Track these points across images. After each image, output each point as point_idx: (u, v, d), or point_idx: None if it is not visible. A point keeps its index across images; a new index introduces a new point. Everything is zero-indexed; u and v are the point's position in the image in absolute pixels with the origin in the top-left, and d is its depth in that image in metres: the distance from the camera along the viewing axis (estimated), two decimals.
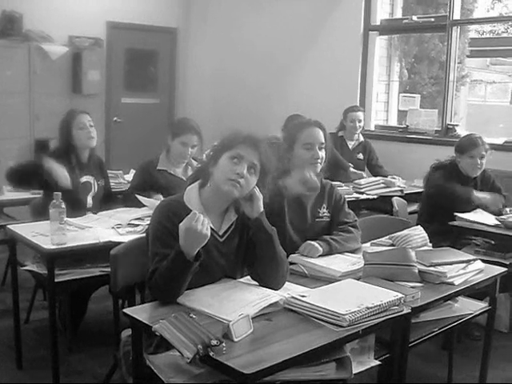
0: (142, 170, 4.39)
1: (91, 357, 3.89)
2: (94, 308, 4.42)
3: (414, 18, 6.73)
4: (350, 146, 6.09)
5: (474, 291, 3.04)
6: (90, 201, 4.22)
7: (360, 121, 6.04)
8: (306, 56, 7.38)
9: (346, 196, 4.79)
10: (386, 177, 5.58)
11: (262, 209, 2.58)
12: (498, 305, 4.30)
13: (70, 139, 4.13)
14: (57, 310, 3.84)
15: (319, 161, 3.20)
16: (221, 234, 2.60)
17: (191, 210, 2.50)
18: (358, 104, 6.92)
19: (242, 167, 2.49)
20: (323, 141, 3.23)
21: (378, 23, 6.97)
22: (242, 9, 8.01)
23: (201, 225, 2.29)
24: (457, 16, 6.39)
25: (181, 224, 2.32)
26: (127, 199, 4.23)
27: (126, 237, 3.32)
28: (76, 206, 3.91)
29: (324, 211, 3.32)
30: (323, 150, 3.23)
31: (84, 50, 7.51)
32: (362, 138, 6.17)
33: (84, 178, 4.21)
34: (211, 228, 2.55)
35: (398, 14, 7.23)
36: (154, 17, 8.24)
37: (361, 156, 6.11)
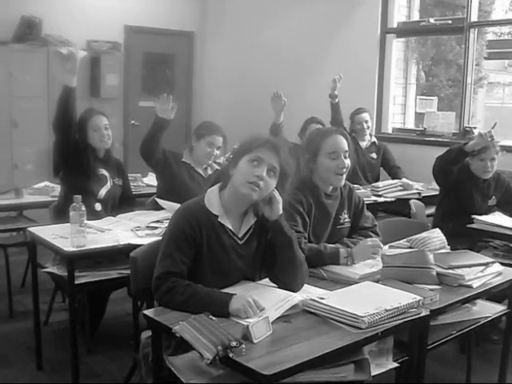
0: (170, 153, 4.42)
1: (110, 358, 3.92)
2: (113, 310, 4.45)
3: (431, 20, 6.71)
4: (363, 146, 6.06)
5: (492, 294, 3.04)
6: (102, 193, 4.24)
7: (367, 121, 6.02)
8: (324, 58, 7.37)
9: (364, 199, 4.84)
10: (400, 178, 5.58)
11: (281, 211, 2.59)
12: None
13: (85, 138, 4.17)
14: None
15: (345, 170, 3.16)
16: (240, 236, 2.62)
17: (211, 213, 2.53)
18: (375, 106, 6.92)
19: (261, 170, 2.51)
20: (347, 148, 3.18)
21: (395, 26, 6.95)
22: (259, 12, 8.02)
23: (251, 314, 2.24)
24: (474, 18, 6.36)
25: (245, 297, 2.29)
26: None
27: (144, 239, 3.34)
28: (88, 196, 3.96)
29: (345, 217, 3.30)
30: (348, 159, 3.17)
31: (102, 54, 7.57)
32: (374, 139, 6.16)
33: (100, 171, 4.25)
34: (231, 230, 2.57)
35: (415, 17, 7.22)
36: (172, 20, 8.28)
37: (374, 156, 6.08)
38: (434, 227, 3.60)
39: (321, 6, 7.30)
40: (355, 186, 5.01)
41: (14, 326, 4.42)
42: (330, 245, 3.07)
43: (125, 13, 7.89)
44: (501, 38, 10.96)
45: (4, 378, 3.70)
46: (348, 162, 3.17)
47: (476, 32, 6.45)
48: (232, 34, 8.41)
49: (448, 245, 3.35)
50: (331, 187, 3.23)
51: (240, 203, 2.59)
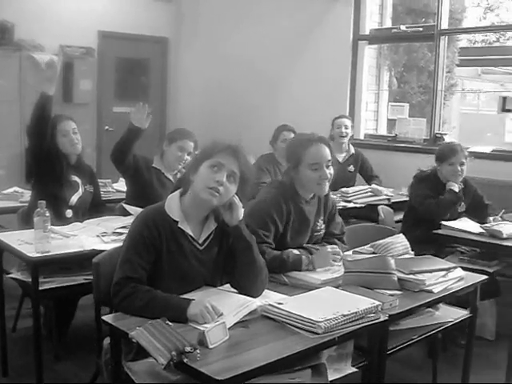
0: (141, 158, 4.42)
1: (77, 364, 3.90)
2: (82, 316, 4.42)
3: (403, 27, 6.78)
4: (340, 159, 5.97)
5: (454, 299, 3.08)
6: (74, 200, 4.22)
7: (346, 127, 5.97)
8: (296, 66, 7.41)
9: None
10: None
11: (241, 217, 2.60)
12: (483, 312, 4.37)
13: (55, 143, 4.16)
14: (42, 318, 3.87)
15: (327, 181, 3.13)
16: (200, 242, 2.62)
17: (172, 218, 2.54)
18: (348, 112, 6.96)
19: (221, 175, 2.52)
20: (330, 157, 3.13)
21: (368, 33, 7.01)
22: (233, 19, 8.05)
23: (209, 319, 2.25)
24: (445, 25, 6.43)
25: (203, 302, 2.29)
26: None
27: (110, 245, 3.34)
28: (59, 202, 4.01)
29: (321, 223, 3.31)
30: (330, 168, 3.13)
31: (75, 60, 7.55)
32: (352, 150, 6.08)
33: (72, 178, 4.24)
34: (191, 236, 2.58)
35: (388, 24, 7.28)
36: (146, 26, 8.29)
37: (352, 168, 6.03)
38: (402, 233, 3.63)
39: (293, 13, 7.34)
40: None
41: None
42: (294, 251, 3.08)
43: (98, 18, 7.88)
44: (473, 46, 11.09)
45: None
46: (331, 171, 3.13)
47: (446, 39, 6.54)
48: (206, 41, 8.43)
49: (415, 251, 3.39)
50: (311, 195, 3.22)
51: (200, 209, 2.60)
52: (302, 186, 3.16)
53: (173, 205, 2.60)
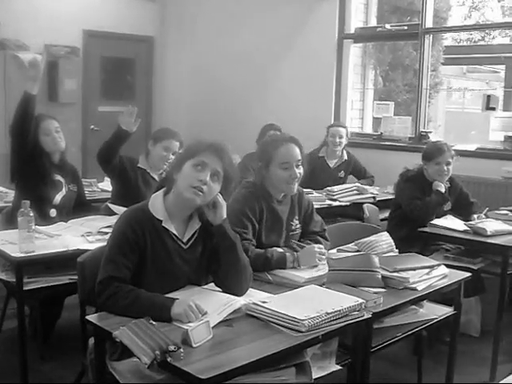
0: (126, 158, 4.42)
1: (63, 365, 3.88)
2: (67, 316, 4.40)
3: (388, 26, 6.81)
4: (332, 165, 5.98)
5: (439, 296, 3.09)
6: (58, 199, 4.21)
7: (341, 137, 5.91)
8: (281, 64, 7.43)
9: (319, 203, 4.88)
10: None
11: (225, 216, 2.61)
12: (468, 309, 4.41)
13: (38, 144, 4.14)
14: (27, 318, 3.86)
15: (296, 180, 3.16)
16: (185, 241, 2.62)
17: (155, 217, 2.54)
18: (333, 111, 6.98)
19: (205, 174, 2.52)
20: (300, 157, 3.17)
21: (353, 31, 7.03)
22: (218, 18, 8.05)
23: (193, 318, 2.25)
24: (429, 24, 6.47)
25: (187, 301, 2.30)
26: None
27: (94, 244, 3.33)
28: (43, 202, 4.01)
29: (296, 223, 3.31)
30: (300, 167, 3.17)
31: (60, 59, 7.52)
32: (345, 157, 6.03)
33: (55, 177, 4.23)
34: (175, 235, 2.58)
35: (373, 23, 7.31)
36: (131, 25, 8.27)
37: (342, 174, 5.99)
38: (388, 231, 3.64)
39: (278, 12, 7.35)
40: (309, 190, 5.07)
41: None
42: (278, 249, 3.10)
43: (83, 17, 7.85)
44: (457, 44, 11.14)
45: None
46: (301, 171, 3.17)
47: (431, 38, 6.57)
48: (191, 39, 8.42)
49: (401, 249, 3.40)
50: (282, 194, 3.24)
51: (184, 208, 2.60)
52: (273, 185, 3.19)
53: (157, 204, 2.60)
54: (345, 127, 6.07)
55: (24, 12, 7.29)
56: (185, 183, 2.52)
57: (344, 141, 5.97)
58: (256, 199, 3.13)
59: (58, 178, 4.25)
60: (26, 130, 3.98)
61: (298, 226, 3.32)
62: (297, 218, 3.32)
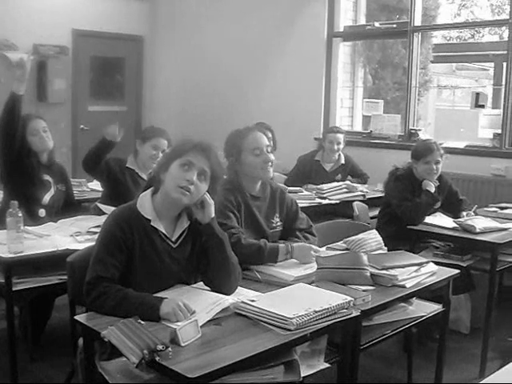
0: (114, 161, 4.42)
1: (53, 366, 3.87)
2: (57, 316, 4.40)
3: (377, 24, 6.83)
4: (328, 169, 5.95)
5: (429, 293, 3.10)
6: (47, 199, 4.20)
7: (339, 143, 5.88)
8: (271, 63, 7.44)
9: (308, 201, 4.89)
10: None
11: (213, 214, 2.61)
12: (458, 306, 4.43)
13: (26, 144, 4.13)
14: (17, 319, 3.85)
15: (270, 164, 3.19)
16: (174, 240, 2.62)
17: (144, 217, 2.54)
18: (323, 109, 6.99)
19: (191, 174, 2.52)
20: (268, 143, 3.23)
21: (342, 30, 7.05)
22: (208, 17, 8.05)
23: (182, 317, 2.25)
24: (418, 22, 6.49)
25: (175, 301, 2.30)
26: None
27: (84, 244, 3.31)
28: (32, 202, 4.00)
29: (277, 220, 3.32)
30: (271, 153, 3.21)
31: (49, 58, 7.51)
32: (342, 161, 5.98)
33: (44, 177, 4.21)
34: (164, 234, 2.58)
35: (362, 21, 7.32)
36: (120, 25, 8.26)
37: (339, 177, 5.93)
38: (377, 229, 3.65)
39: (267, 10, 7.36)
40: (298, 188, 5.08)
41: None
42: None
43: (72, 16, 7.84)
44: (446, 42, 11.17)
45: None
46: (272, 156, 3.21)
47: (420, 36, 6.59)
48: (181, 39, 8.43)
49: (390, 246, 3.41)
50: (258, 188, 3.26)
51: (172, 207, 2.60)
52: (248, 175, 3.21)
53: (145, 203, 2.60)
54: (342, 133, 6.01)
55: (13, 12, 7.27)
56: (172, 183, 2.52)
57: (342, 146, 5.95)
58: (232, 193, 3.15)
59: (47, 177, 4.24)
60: (13, 131, 3.97)
61: (279, 223, 3.33)
62: (277, 215, 3.32)
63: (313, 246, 3.12)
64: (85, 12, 7.96)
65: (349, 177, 5.91)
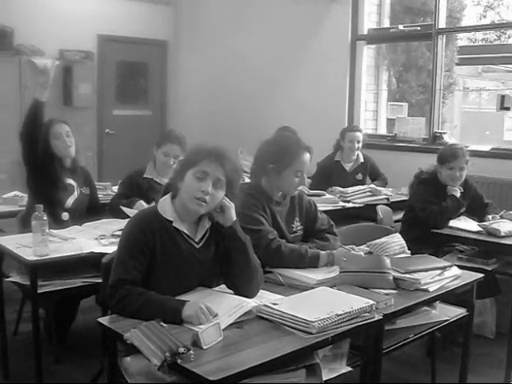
0: (129, 179, 4.44)
1: (78, 367, 3.91)
2: (83, 318, 4.45)
3: (401, 27, 6.80)
4: (348, 168, 5.94)
5: (451, 298, 3.08)
6: (70, 203, 4.24)
7: (358, 141, 5.87)
8: (295, 66, 7.44)
9: (332, 205, 4.88)
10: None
11: (234, 217, 2.62)
12: (483, 311, 4.39)
13: (49, 148, 4.17)
14: (42, 322, 3.88)
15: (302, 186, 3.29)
16: (197, 240, 2.63)
17: (165, 219, 2.56)
18: (347, 113, 6.97)
19: (206, 184, 2.52)
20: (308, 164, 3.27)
21: (366, 33, 7.03)
22: (231, 20, 8.08)
23: (204, 320, 2.25)
24: (442, 24, 6.45)
25: (198, 304, 2.31)
26: (112, 208, 4.28)
27: (108, 247, 3.35)
28: (55, 205, 4.03)
29: (298, 225, 3.32)
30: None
31: (75, 63, 7.59)
32: (361, 159, 5.98)
33: (67, 181, 4.25)
34: (186, 235, 2.60)
35: (386, 24, 7.29)
36: (145, 30, 8.33)
37: (360, 176, 5.94)
38: (401, 233, 3.63)
39: (292, 13, 7.36)
40: (322, 191, 5.07)
41: None
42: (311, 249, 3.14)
43: (98, 22, 7.93)
44: (472, 44, 11.08)
45: None
46: (306, 180, 3.30)
47: (444, 38, 6.54)
48: (205, 43, 8.46)
49: (414, 250, 3.38)
50: (280, 194, 3.26)
51: (190, 214, 2.61)
52: (278, 188, 3.21)
53: (165, 206, 2.61)
54: (361, 131, 6.02)
55: (38, 17, 7.38)
56: (187, 194, 2.53)
57: (361, 145, 5.94)
58: (257, 198, 3.15)
59: (70, 181, 4.27)
60: (35, 137, 4.01)
61: (300, 227, 3.33)
62: (297, 219, 3.33)
63: (354, 247, 3.17)
64: (109, 17, 8.05)
65: (368, 180, 5.90)
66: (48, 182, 4.14)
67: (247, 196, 3.05)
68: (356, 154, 5.94)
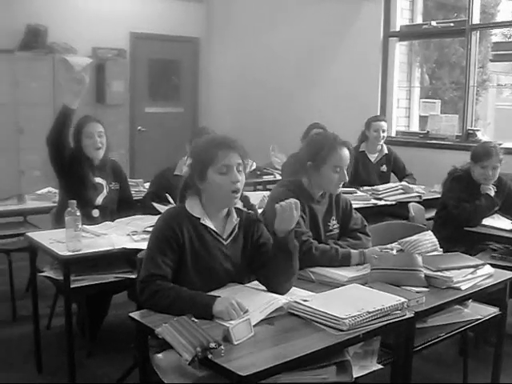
0: (160, 177, 4.48)
1: (110, 362, 3.95)
2: (115, 313, 4.49)
3: (433, 23, 6.73)
4: (373, 160, 5.94)
5: (482, 296, 3.04)
6: (99, 200, 4.27)
7: (384, 131, 5.88)
8: (327, 63, 7.41)
9: (363, 202, 4.86)
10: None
11: (291, 226, 2.59)
12: None
13: (79, 146, 4.21)
14: (74, 316, 3.93)
15: (343, 183, 3.24)
16: (225, 237, 2.65)
17: (193, 216, 2.59)
18: (379, 110, 6.93)
19: (233, 174, 2.56)
20: (349, 161, 3.24)
21: (398, 29, 6.97)
22: (263, 17, 8.07)
23: (235, 316, 2.27)
24: (476, 20, 6.37)
25: (229, 299, 2.32)
26: (144, 205, 4.31)
27: (140, 243, 3.37)
28: (85, 203, 4.02)
29: (334, 223, 3.31)
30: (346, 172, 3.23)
31: (107, 61, 7.66)
32: (385, 150, 5.98)
33: (96, 180, 4.28)
34: (214, 231, 2.61)
35: (418, 20, 7.22)
36: (177, 27, 8.36)
37: (384, 168, 5.94)
38: (433, 231, 3.59)
39: (323, 11, 7.33)
40: (353, 189, 5.05)
41: (16, 330, 4.47)
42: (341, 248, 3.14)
43: (130, 20, 7.99)
44: (506, 40, 10.92)
45: (4, 380, 3.75)
46: (347, 176, 3.22)
47: (478, 34, 6.46)
48: (237, 40, 8.46)
49: (447, 248, 3.36)
50: (320, 193, 3.25)
51: (221, 208, 2.65)
52: (318, 185, 3.21)
53: (193, 203, 2.64)
54: (385, 120, 6.05)
55: (71, 16, 7.46)
56: (222, 192, 2.57)
57: (386, 134, 5.96)
58: (296, 197, 3.13)
59: (99, 180, 4.30)
60: (62, 143, 4.04)
61: (336, 226, 3.32)
62: (334, 218, 3.32)
63: (388, 247, 3.14)
64: (142, 15, 8.10)
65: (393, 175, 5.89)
66: (76, 181, 4.17)
67: (288, 194, 3.06)
68: (381, 143, 5.94)
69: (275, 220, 2.58)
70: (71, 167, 4.15)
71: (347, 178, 3.21)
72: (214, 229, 2.62)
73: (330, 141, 3.23)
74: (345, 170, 3.18)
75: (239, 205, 2.74)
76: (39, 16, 7.14)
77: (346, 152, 3.20)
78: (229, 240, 2.66)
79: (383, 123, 5.94)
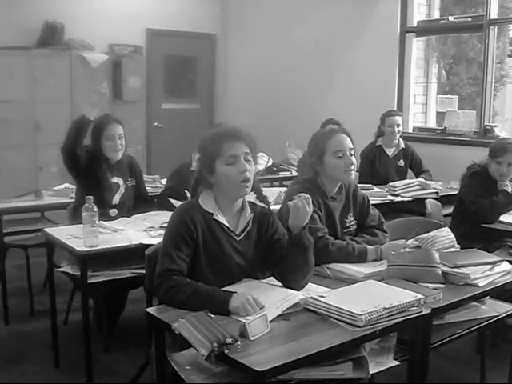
0: (177, 172, 4.49)
1: (126, 357, 3.98)
2: (131, 309, 4.51)
3: (451, 18, 6.68)
4: (390, 154, 5.95)
5: (500, 293, 3.02)
6: (117, 199, 4.30)
7: (398, 125, 5.89)
8: (344, 59, 7.38)
9: (380, 198, 4.84)
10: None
11: (305, 222, 2.59)
12: None
13: (99, 145, 4.22)
14: (91, 311, 3.95)
15: (353, 167, 3.18)
16: (237, 232, 2.65)
17: (206, 211, 2.60)
18: (396, 106, 6.89)
19: (241, 164, 2.56)
20: (352, 146, 3.20)
21: (415, 25, 6.93)
22: (280, 13, 8.05)
23: (251, 312, 2.27)
24: (494, 15, 6.31)
25: (245, 295, 2.32)
26: (161, 201, 4.32)
27: (157, 239, 3.38)
28: (102, 202, 4.01)
29: (351, 220, 3.30)
30: (354, 156, 3.20)
31: (124, 58, 7.68)
32: (402, 145, 5.99)
33: (113, 180, 4.30)
34: (227, 227, 2.61)
35: (436, 15, 7.16)
36: (193, 23, 8.36)
37: (402, 163, 5.96)
38: (451, 227, 3.57)
39: (340, 6, 7.30)
40: (369, 185, 5.04)
41: (33, 325, 4.52)
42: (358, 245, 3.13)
43: (146, 16, 8.00)
44: None
45: (22, 374, 3.79)
46: (354, 159, 3.18)
47: (496, 29, 6.40)
48: (253, 36, 8.45)
49: (464, 245, 3.33)
50: (336, 189, 3.25)
51: (233, 200, 2.65)
52: (329, 177, 3.20)
53: (207, 199, 2.64)
54: (400, 115, 6.05)
55: (88, 13, 7.47)
56: (231, 183, 2.57)
57: (401, 128, 5.97)
58: (312, 194, 3.13)
59: (115, 179, 4.32)
60: (77, 153, 4.06)
61: (353, 222, 3.32)
62: (351, 214, 3.31)
63: (407, 243, 3.13)
64: (158, 12, 8.10)
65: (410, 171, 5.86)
66: (93, 182, 4.19)
67: (302, 190, 3.05)
68: (397, 138, 5.95)
69: (289, 217, 2.58)
70: (88, 168, 4.16)
71: (354, 161, 3.18)
72: (227, 224, 2.62)
73: (323, 132, 3.32)
74: (348, 154, 3.16)
75: (252, 197, 2.75)
76: (56, 13, 7.16)
77: (341, 136, 3.20)
78: (242, 236, 2.66)
79: (397, 118, 5.94)
